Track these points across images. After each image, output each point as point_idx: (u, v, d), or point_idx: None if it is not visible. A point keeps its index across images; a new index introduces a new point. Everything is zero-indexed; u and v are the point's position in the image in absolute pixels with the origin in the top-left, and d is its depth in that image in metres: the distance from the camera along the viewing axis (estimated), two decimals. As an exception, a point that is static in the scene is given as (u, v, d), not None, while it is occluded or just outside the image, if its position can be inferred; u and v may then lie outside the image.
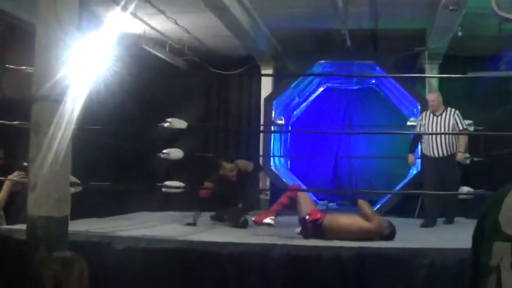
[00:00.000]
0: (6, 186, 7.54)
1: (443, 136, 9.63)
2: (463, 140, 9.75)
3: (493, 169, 11.21)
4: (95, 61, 6.23)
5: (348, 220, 7.46)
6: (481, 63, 11.69)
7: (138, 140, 11.55)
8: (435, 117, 9.80)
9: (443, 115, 9.77)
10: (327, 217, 7.50)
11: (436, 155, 9.68)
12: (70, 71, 5.57)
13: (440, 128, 9.69)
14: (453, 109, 9.82)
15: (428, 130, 9.82)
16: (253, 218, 8.15)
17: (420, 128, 10.06)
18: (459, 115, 9.80)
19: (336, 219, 7.49)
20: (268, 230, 7.73)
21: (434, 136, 9.71)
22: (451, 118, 9.71)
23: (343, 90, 14.49)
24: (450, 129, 9.64)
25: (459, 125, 9.69)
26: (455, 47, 11.26)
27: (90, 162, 9.23)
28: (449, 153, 9.63)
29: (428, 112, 9.98)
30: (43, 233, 5.32)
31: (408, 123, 12.60)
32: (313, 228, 7.41)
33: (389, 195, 11.89)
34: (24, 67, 6.83)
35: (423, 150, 10.01)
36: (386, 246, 6.59)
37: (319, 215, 7.49)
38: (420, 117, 10.21)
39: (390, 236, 7.29)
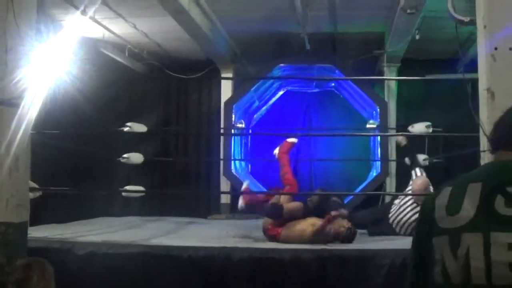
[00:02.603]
0: None
1: (405, 218, 8.83)
2: None
3: (452, 170, 11.34)
4: (53, 65, 6.19)
5: (303, 226, 7.49)
6: (439, 66, 11.84)
7: (98, 145, 11.48)
8: (413, 204, 8.90)
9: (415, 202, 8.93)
10: (284, 231, 7.50)
11: (393, 225, 8.97)
12: (28, 75, 5.53)
13: (402, 207, 8.96)
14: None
15: (400, 211, 9.04)
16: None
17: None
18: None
19: (292, 229, 7.51)
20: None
21: (399, 212, 8.95)
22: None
23: (303, 94, 14.51)
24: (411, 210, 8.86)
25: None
26: (413, 50, 11.36)
27: (49, 167, 9.15)
28: (398, 231, 8.89)
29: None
30: (2, 239, 5.27)
31: (368, 126, 12.69)
32: (271, 240, 7.55)
33: (350, 197, 11.96)
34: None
35: None
36: (345, 248, 6.64)
37: (275, 232, 7.56)
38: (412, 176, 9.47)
39: (349, 238, 7.31)
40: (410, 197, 8.96)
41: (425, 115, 10.58)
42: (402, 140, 9.86)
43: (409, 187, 9.21)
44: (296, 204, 7.91)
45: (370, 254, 6.23)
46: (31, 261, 4.23)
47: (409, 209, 8.86)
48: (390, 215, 8.97)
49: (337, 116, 13.75)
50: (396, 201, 9.13)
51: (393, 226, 8.92)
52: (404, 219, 8.80)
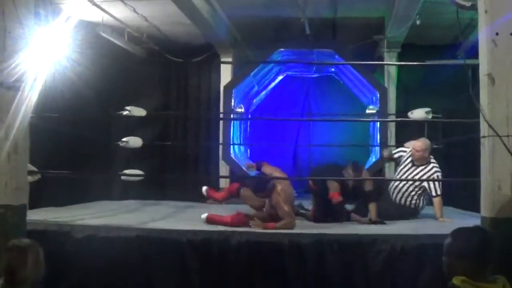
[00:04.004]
0: None
1: (402, 185, 8.82)
2: (437, 204, 8.65)
3: (451, 156, 11.33)
4: (53, 48, 6.17)
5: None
6: (439, 52, 11.81)
7: (97, 128, 11.47)
8: (412, 166, 8.94)
9: (419, 168, 8.88)
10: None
11: (392, 197, 8.94)
12: (28, 59, 5.52)
13: (408, 175, 8.87)
14: (435, 167, 8.87)
15: (399, 168, 9.12)
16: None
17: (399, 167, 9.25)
18: (439, 175, 8.85)
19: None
20: None
21: (394, 183, 8.97)
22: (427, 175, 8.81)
23: (303, 78, 14.53)
24: (414, 184, 8.76)
25: (432, 190, 8.64)
26: (414, 36, 11.35)
27: (48, 150, 9.14)
28: (403, 203, 8.82)
29: (409, 159, 9.05)
30: (0, 222, 5.28)
31: (367, 111, 12.69)
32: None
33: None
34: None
35: None
36: (344, 233, 6.65)
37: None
38: (405, 150, 9.25)
39: None
40: (408, 161, 8.98)
41: (425, 101, 10.54)
42: (387, 154, 9.75)
43: (408, 154, 9.10)
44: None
45: (369, 239, 6.23)
46: (25, 245, 4.25)
47: (407, 173, 8.93)
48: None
49: (336, 101, 13.76)
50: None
51: (390, 193, 8.94)
52: (401, 185, 8.85)
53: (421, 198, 8.81)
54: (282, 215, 7.22)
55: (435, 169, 8.81)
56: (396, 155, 9.41)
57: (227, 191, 8.32)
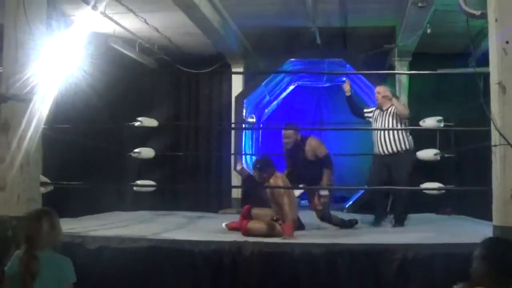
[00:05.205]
0: None
1: (388, 132, 9.33)
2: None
3: (463, 165, 11.30)
4: (64, 60, 6.20)
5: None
6: (450, 60, 11.80)
7: (109, 140, 11.50)
8: (381, 112, 9.53)
9: (389, 110, 9.44)
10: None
11: (382, 152, 9.41)
12: (39, 70, 5.55)
13: (384, 124, 9.39)
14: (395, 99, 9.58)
15: (374, 126, 9.60)
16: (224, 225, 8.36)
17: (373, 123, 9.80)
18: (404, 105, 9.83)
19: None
20: None
21: (379, 133, 9.44)
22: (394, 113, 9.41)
23: (314, 88, 14.54)
24: (394, 125, 9.33)
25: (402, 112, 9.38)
26: (425, 44, 11.34)
27: (60, 161, 9.17)
28: (395, 150, 9.28)
29: (376, 107, 9.72)
30: (13, 234, 5.30)
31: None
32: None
33: (361, 192, 11.95)
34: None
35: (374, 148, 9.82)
36: (356, 243, 6.63)
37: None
38: (370, 110, 9.90)
39: None
40: (390, 119, 9.40)
41: (437, 109, 10.51)
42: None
43: (373, 109, 9.82)
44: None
45: (381, 248, 6.21)
46: (38, 212, 4.39)
47: (382, 122, 9.45)
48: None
49: (348, 111, 13.73)
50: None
51: (380, 149, 9.44)
52: (386, 134, 9.32)
53: (408, 133, 9.44)
54: (281, 198, 7.61)
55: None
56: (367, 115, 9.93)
57: (242, 216, 8.36)
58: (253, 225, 7.64)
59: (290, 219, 7.46)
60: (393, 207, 9.87)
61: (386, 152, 9.31)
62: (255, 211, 8.21)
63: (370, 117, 9.79)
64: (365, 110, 9.88)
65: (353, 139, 13.28)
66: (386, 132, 9.30)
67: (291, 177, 8.69)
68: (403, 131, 9.28)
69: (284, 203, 7.52)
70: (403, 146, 9.26)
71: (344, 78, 10.37)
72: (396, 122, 9.32)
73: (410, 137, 9.44)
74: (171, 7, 9.34)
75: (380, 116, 9.51)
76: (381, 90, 9.63)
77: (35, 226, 4.31)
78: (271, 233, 7.54)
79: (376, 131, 9.45)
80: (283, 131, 9.01)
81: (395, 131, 9.23)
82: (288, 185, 8.05)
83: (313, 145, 8.87)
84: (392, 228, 9.00)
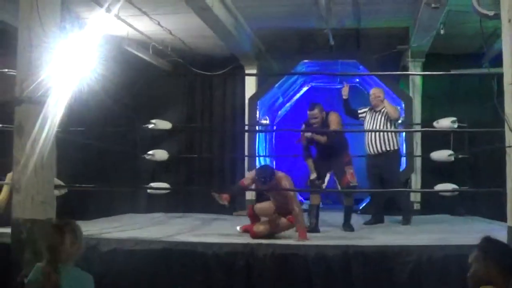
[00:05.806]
0: (6, 186, 7.53)
1: (378, 133, 9.50)
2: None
3: (477, 166, 11.26)
4: (78, 63, 6.21)
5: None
6: (464, 61, 11.76)
7: (123, 142, 11.53)
8: (374, 113, 9.71)
9: (381, 110, 9.62)
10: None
11: (372, 152, 9.64)
12: (53, 73, 5.56)
13: (375, 123, 9.58)
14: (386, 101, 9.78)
15: (365, 124, 9.80)
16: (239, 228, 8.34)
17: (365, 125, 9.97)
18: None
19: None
20: None
21: (369, 133, 9.64)
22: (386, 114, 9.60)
23: (327, 89, 14.49)
24: (385, 125, 9.52)
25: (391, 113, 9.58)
26: (438, 45, 11.30)
27: (74, 164, 9.20)
28: (384, 150, 9.52)
29: (370, 108, 9.88)
30: (27, 236, 5.31)
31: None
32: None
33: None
34: (7, 70, 6.80)
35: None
36: (370, 245, 6.61)
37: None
38: (363, 111, 10.01)
39: None
40: (383, 119, 9.62)
41: (450, 110, 10.47)
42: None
43: (366, 109, 9.99)
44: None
45: (395, 250, 6.19)
46: (62, 224, 4.34)
47: (374, 122, 9.67)
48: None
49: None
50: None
51: (370, 149, 9.70)
52: (377, 135, 9.52)
53: (397, 135, 9.79)
54: (291, 203, 7.49)
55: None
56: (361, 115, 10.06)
57: (249, 217, 8.37)
58: (258, 228, 7.62)
59: (302, 222, 7.44)
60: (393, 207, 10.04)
61: (375, 151, 9.57)
62: (258, 206, 8.22)
63: (363, 117, 9.93)
64: (359, 110, 9.95)
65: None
66: (377, 132, 9.51)
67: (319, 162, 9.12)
68: (393, 132, 9.57)
69: (295, 208, 7.46)
70: (391, 147, 9.50)
71: (344, 82, 10.36)
72: (386, 122, 9.53)
73: (399, 139, 9.93)
74: (184, 9, 9.36)
75: (372, 115, 9.71)
76: (376, 92, 9.86)
77: (58, 238, 4.26)
78: (276, 230, 7.56)
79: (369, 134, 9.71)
80: (309, 112, 9.06)
81: (385, 132, 9.48)
82: (291, 184, 8.10)
83: (332, 119, 8.86)
84: (402, 227, 9.15)
